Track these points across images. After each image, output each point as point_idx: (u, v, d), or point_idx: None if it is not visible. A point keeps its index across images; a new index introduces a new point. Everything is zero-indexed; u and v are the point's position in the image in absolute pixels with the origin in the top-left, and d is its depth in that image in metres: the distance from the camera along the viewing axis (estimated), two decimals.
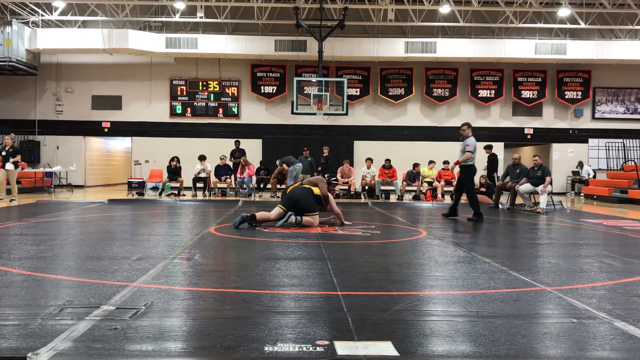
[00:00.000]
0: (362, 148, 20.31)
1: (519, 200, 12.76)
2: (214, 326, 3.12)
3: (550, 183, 12.07)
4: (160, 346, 2.77)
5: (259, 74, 20.56)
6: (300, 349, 2.71)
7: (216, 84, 20.54)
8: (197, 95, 20.60)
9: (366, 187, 16.67)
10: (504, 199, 13.75)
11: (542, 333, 3.12)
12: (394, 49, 19.48)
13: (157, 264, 4.94)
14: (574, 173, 20.48)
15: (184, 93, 20.58)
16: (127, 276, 4.43)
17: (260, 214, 8.11)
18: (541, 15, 19.43)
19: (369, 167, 16.78)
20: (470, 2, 18.25)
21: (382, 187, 16.40)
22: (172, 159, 16.67)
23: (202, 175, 16.49)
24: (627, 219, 10.73)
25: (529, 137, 21.09)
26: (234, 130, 20.28)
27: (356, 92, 20.50)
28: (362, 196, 16.50)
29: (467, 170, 9.93)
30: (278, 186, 16.07)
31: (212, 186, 16.45)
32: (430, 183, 16.10)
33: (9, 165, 13.60)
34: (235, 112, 20.63)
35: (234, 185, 16.86)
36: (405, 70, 20.50)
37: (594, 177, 19.66)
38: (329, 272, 4.72)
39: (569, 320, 3.36)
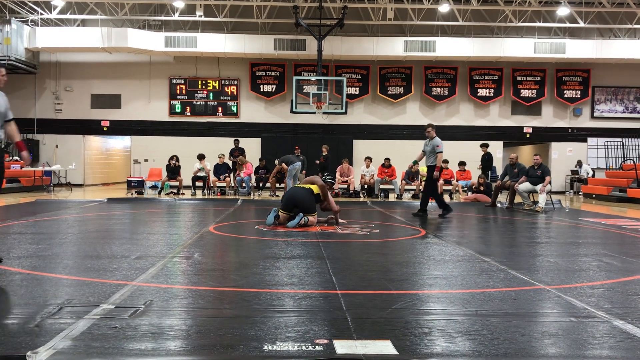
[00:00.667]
0: (361, 147, 20.31)
1: (517, 199, 12.77)
2: (213, 325, 3.13)
3: (550, 182, 12.08)
4: (159, 345, 2.77)
5: (258, 73, 20.55)
6: (300, 348, 2.72)
7: (215, 83, 20.52)
8: (196, 94, 20.58)
9: (365, 186, 16.67)
10: (503, 197, 13.76)
11: (541, 332, 3.13)
12: (393, 48, 19.47)
13: (157, 263, 4.94)
14: (573, 172, 20.49)
15: (183, 92, 20.56)
16: (127, 275, 4.43)
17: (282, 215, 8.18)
18: (540, 14, 19.43)
19: (368, 166, 16.78)
20: (469, 1, 18.25)
21: (381, 186, 16.40)
22: (171, 158, 16.66)
23: (201, 174, 16.49)
24: (625, 218, 10.74)
25: (528, 136, 21.10)
26: (233, 129, 20.27)
27: (355, 91, 20.50)
28: (361, 195, 16.50)
29: (433, 169, 10.26)
30: (277, 185, 16.07)
31: (212, 185, 16.45)
32: None
33: None
34: (235, 111, 20.62)
35: (233, 184, 16.86)
36: (405, 69, 20.50)
37: (593, 176, 19.67)
38: (328, 271, 4.72)
39: (567, 319, 3.37)
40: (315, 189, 8.36)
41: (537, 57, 19.42)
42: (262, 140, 20.41)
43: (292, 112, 18.21)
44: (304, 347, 2.72)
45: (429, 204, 10.58)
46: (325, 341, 2.82)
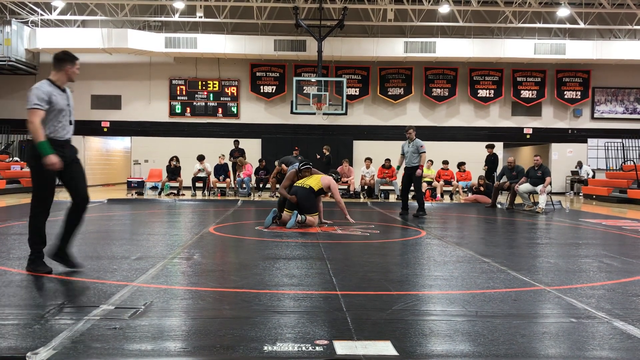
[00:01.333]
0: (361, 148, 20.31)
1: (518, 200, 12.77)
2: (213, 326, 3.12)
3: (550, 183, 12.07)
4: (159, 346, 2.77)
5: (258, 74, 20.55)
6: (300, 349, 2.72)
7: (215, 84, 20.53)
8: (196, 95, 20.59)
9: (365, 187, 16.67)
10: (503, 198, 13.76)
11: (541, 333, 3.13)
12: (394, 48, 19.48)
13: (157, 264, 4.94)
14: (573, 173, 20.49)
15: (184, 93, 20.57)
16: (127, 276, 4.43)
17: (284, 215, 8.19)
18: (540, 15, 19.44)
19: (368, 167, 16.79)
20: (469, 2, 18.26)
21: (382, 187, 16.40)
22: (171, 159, 16.66)
23: (202, 174, 16.49)
24: (626, 219, 10.74)
25: (528, 137, 21.11)
26: (233, 130, 20.27)
27: (355, 91, 20.50)
28: (361, 196, 16.50)
29: (415, 170, 10.57)
30: (277, 186, 16.06)
31: (212, 186, 16.45)
32: (429, 183, 16.10)
33: None
34: (235, 112, 20.62)
35: (233, 185, 16.87)
36: (405, 70, 20.50)
37: (593, 177, 19.67)
38: (328, 271, 4.72)
39: (568, 320, 3.36)
40: (315, 185, 8.28)
41: (537, 58, 19.42)
42: (262, 141, 20.41)
43: (292, 113, 18.22)
44: (304, 348, 2.72)
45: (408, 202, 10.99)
46: (326, 342, 2.81)
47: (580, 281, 4.56)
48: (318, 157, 17.39)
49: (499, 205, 12.92)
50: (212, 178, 16.57)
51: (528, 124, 21.01)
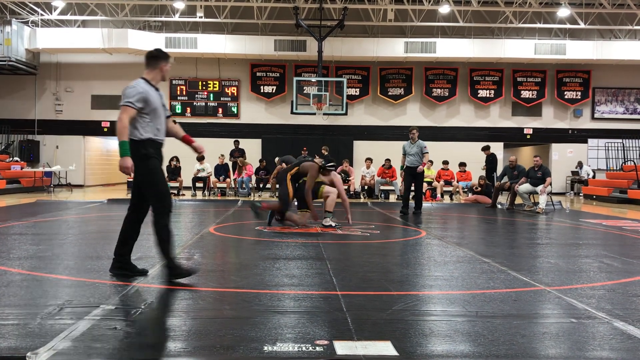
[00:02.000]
0: (361, 148, 20.30)
1: (518, 200, 12.77)
2: (213, 326, 3.12)
3: (550, 183, 12.07)
4: (159, 345, 2.77)
5: (258, 74, 20.55)
6: (300, 349, 2.72)
7: (216, 84, 20.53)
8: (196, 95, 20.59)
9: (366, 187, 16.67)
10: (503, 199, 13.76)
11: (541, 333, 3.13)
12: (394, 49, 19.47)
13: (157, 264, 4.94)
14: (574, 173, 20.48)
15: (184, 93, 20.57)
16: (127, 275, 4.42)
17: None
18: (541, 16, 19.44)
19: (368, 167, 16.79)
20: (469, 2, 18.25)
21: (382, 187, 16.40)
22: (171, 159, 16.67)
23: (202, 175, 16.49)
24: (626, 219, 10.74)
25: (528, 137, 21.10)
26: (233, 130, 20.27)
27: (356, 92, 20.50)
28: (361, 196, 16.50)
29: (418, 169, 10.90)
30: (277, 186, 16.04)
31: (212, 186, 16.46)
32: (429, 183, 16.10)
33: None
34: (235, 112, 20.62)
35: (233, 185, 16.87)
36: (405, 70, 20.50)
37: (594, 177, 19.66)
38: (328, 272, 4.72)
39: (568, 320, 3.36)
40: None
41: (537, 58, 19.42)
42: (263, 141, 20.40)
43: (292, 113, 18.22)
44: (304, 348, 2.72)
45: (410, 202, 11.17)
46: (326, 342, 2.81)
47: (580, 281, 4.56)
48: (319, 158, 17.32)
49: (499, 206, 12.92)
50: (213, 178, 16.57)
51: (528, 124, 21.01)
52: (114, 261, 4.43)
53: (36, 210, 10.51)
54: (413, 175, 10.88)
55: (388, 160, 16.66)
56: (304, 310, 3.48)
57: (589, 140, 21.05)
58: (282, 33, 19.68)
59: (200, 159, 16.58)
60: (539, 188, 11.82)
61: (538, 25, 19.22)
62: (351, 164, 17.53)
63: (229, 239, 7.04)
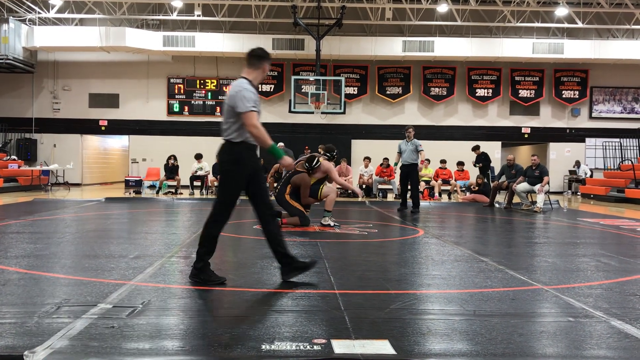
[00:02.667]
0: (359, 147, 20.30)
1: (516, 199, 12.78)
2: (211, 324, 3.12)
3: (548, 182, 12.09)
4: (157, 344, 2.77)
5: None
6: (298, 347, 2.72)
7: (214, 82, 20.50)
8: (194, 94, 20.56)
9: (364, 186, 16.67)
10: (501, 198, 13.78)
11: (539, 332, 3.13)
12: (392, 47, 19.47)
13: (154, 263, 4.94)
14: (571, 172, 20.51)
15: (182, 91, 20.54)
16: (124, 274, 4.42)
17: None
18: (539, 15, 19.45)
19: (366, 166, 16.79)
20: (468, 1, 18.26)
21: (380, 186, 16.40)
22: (169, 158, 16.65)
23: (200, 173, 16.48)
24: (623, 218, 10.75)
25: (526, 136, 21.12)
26: None
27: (354, 90, 20.49)
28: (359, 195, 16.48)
29: (415, 167, 11.06)
30: (275, 185, 16.04)
31: (210, 184, 16.44)
32: (427, 182, 16.11)
33: None
34: None
35: None
36: (403, 69, 20.50)
37: (591, 176, 19.70)
38: (326, 270, 4.72)
39: (565, 319, 3.37)
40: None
41: (535, 57, 19.43)
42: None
43: (290, 111, 18.20)
44: (302, 347, 2.72)
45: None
46: (323, 341, 2.81)
47: (577, 280, 4.57)
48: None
49: (496, 205, 12.93)
50: (210, 177, 16.55)
51: (526, 123, 21.03)
52: (284, 268, 4.26)
53: (33, 209, 10.49)
54: (407, 173, 11.09)
55: (386, 159, 16.67)
56: (302, 309, 3.48)
57: (587, 139, 21.08)
58: (280, 32, 19.66)
59: (198, 157, 16.58)
60: (537, 187, 11.83)
61: (536, 24, 19.24)
62: (349, 163, 17.52)
63: (226, 237, 7.02)
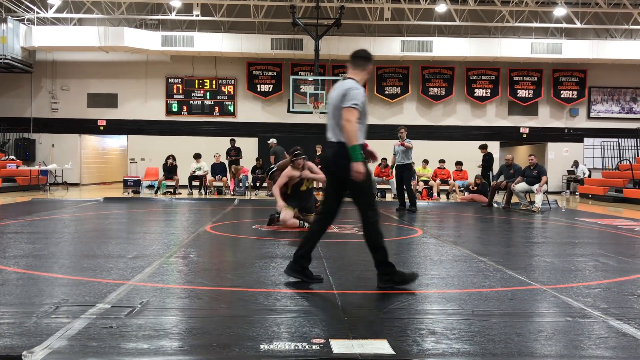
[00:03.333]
0: None
1: (514, 199, 12.79)
2: (209, 324, 3.12)
3: (546, 182, 12.10)
4: (155, 344, 2.77)
5: (255, 72, 20.53)
6: (296, 347, 2.72)
7: (212, 82, 20.50)
8: (193, 94, 20.55)
9: None
10: (499, 197, 13.78)
11: (537, 331, 3.13)
12: (390, 47, 19.47)
13: (153, 263, 4.94)
14: (570, 172, 20.54)
15: (180, 91, 20.53)
16: (123, 274, 4.42)
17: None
18: (537, 15, 19.47)
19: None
20: (466, 1, 18.27)
21: (379, 186, 16.40)
22: (168, 157, 16.64)
23: (198, 173, 16.47)
24: (621, 218, 10.77)
25: (524, 136, 21.14)
26: (230, 129, 20.24)
27: None
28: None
29: (408, 167, 11.24)
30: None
31: (208, 184, 16.44)
32: (426, 182, 16.12)
33: None
34: (232, 111, 20.60)
35: (229, 185, 16.86)
36: (402, 69, 20.51)
37: (589, 176, 19.72)
38: (324, 270, 4.72)
39: (564, 319, 3.37)
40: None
41: (533, 57, 19.46)
42: (259, 139, 20.38)
43: (289, 111, 18.20)
44: (300, 347, 2.72)
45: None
46: (322, 341, 2.81)
47: (576, 280, 4.57)
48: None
49: (495, 205, 12.94)
50: (209, 177, 16.55)
51: (524, 123, 21.05)
52: (293, 263, 4.23)
53: (32, 209, 10.48)
54: (401, 173, 11.23)
55: (384, 159, 16.66)
56: (301, 309, 3.48)
57: (585, 139, 21.11)
58: (279, 31, 19.66)
59: (197, 157, 16.57)
60: (535, 187, 11.84)
61: (534, 24, 19.26)
62: None
63: (225, 237, 7.03)
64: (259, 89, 20.53)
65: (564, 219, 10.40)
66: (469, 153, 18.13)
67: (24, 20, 18.97)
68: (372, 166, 16.75)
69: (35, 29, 18.84)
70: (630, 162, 17.23)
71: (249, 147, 19.53)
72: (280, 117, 20.47)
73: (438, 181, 16.17)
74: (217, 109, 20.55)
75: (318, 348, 2.71)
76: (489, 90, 20.68)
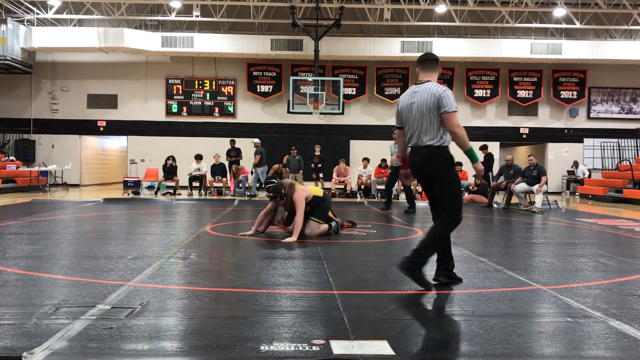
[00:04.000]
0: (358, 147, 20.31)
1: (514, 199, 12.79)
2: (209, 325, 3.12)
3: (546, 183, 12.10)
4: (156, 345, 2.77)
5: (255, 73, 20.53)
6: (297, 348, 2.72)
7: (212, 83, 20.50)
8: (193, 94, 20.56)
9: (362, 187, 16.68)
10: (499, 198, 13.78)
11: (537, 332, 3.13)
12: (390, 48, 19.48)
13: (153, 263, 4.93)
14: (569, 172, 20.54)
15: (180, 92, 20.54)
16: (123, 275, 4.42)
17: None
18: (537, 15, 19.48)
19: (365, 167, 16.80)
20: (466, 1, 18.28)
21: (378, 187, 16.41)
22: (167, 158, 16.64)
23: (197, 174, 16.47)
24: (621, 219, 10.77)
25: (524, 136, 21.15)
26: (230, 130, 20.25)
27: (352, 91, 20.51)
28: (358, 195, 16.51)
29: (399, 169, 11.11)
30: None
31: (208, 185, 16.44)
32: None
33: None
34: (231, 111, 20.60)
35: (229, 185, 16.86)
36: (401, 69, 20.51)
37: (589, 176, 19.72)
38: (325, 271, 4.72)
39: (564, 320, 3.37)
40: (316, 192, 7.78)
41: (533, 57, 19.46)
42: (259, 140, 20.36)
43: (289, 112, 18.21)
44: (300, 348, 2.72)
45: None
46: (322, 342, 2.81)
47: (576, 281, 4.57)
48: (313, 165, 17.11)
49: (495, 205, 12.94)
50: (209, 177, 16.56)
51: (524, 123, 21.06)
52: (441, 269, 4.27)
53: (32, 210, 10.48)
54: (394, 174, 11.36)
55: (384, 160, 16.68)
56: (301, 310, 3.48)
57: (585, 139, 21.11)
58: (279, 32, 19.67)
59: (198, 158, 16.58)
60: (535, 187, 11.84)
61: (534, 25, 19.27)
62: (347, 164, 17.53)
63: (225, 238, 7.02)
64: (258, 90, 20.54)
65: (564, 219, 10.40)
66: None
67: (24, 21, 18.98)
68: (372, 167, 16.76)
69: (35, 30, 18.85)
70: (630, 162, 17.23)
71: (249, 147, 19.50)
72: (280, 118, 20.48)
73: None
74: (217, 109, 20.55)
75: (318, 349, 2.71)
76: (488, 91, 20.69)
